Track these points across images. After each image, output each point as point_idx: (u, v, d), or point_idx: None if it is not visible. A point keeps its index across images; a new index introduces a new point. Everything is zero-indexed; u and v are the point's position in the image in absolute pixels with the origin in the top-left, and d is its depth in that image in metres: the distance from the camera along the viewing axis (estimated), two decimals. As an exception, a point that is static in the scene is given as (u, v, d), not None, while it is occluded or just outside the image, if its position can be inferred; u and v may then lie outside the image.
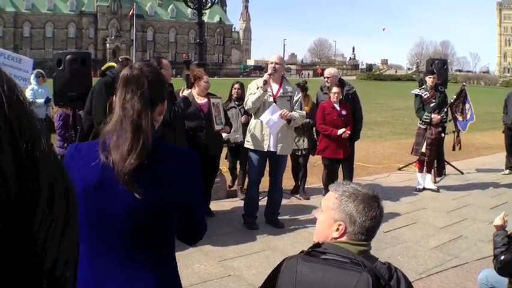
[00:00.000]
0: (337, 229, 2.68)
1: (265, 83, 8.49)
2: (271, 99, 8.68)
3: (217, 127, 8.88)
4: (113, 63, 8.97)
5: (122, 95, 2.71)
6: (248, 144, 8.88)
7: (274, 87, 8.82)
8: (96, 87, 7.51)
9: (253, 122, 8.87)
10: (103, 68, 9.12)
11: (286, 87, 8.92)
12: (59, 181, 0.71)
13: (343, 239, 2.67)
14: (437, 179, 12.38)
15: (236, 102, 10.53)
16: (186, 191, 2.73)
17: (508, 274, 5.09)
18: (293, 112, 8.70)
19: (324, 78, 11.12)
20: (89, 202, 2.56)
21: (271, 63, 8.80)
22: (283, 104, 8.71)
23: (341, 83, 10.89)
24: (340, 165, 10.78)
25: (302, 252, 2.72)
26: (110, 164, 2.56)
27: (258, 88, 8.56)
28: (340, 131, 9.99)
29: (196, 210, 2.96)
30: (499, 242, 5.12)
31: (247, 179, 9.55)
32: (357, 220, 2.63)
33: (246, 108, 9.08)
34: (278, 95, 8.77)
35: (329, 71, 11.25)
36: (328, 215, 2.73)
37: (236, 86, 10.85)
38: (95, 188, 2.58)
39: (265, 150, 8.70)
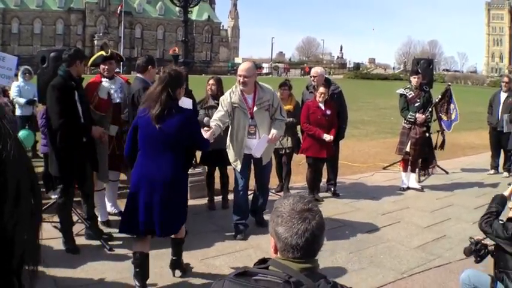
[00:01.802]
0: (272, 244, 2.64)
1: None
2: (249, 115, 8.34)
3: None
4: (102, 52, 9.10)
5: (156, 83, 6.33)
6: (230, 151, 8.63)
7: (249, 99, 8.38)
8: (47, 93, 7.39)
9: (229, 136, 8.58)
10: (92, 59, 9.12)
11: (262, 96, 8.42)
12: (25, 178, 0.78)
13: (279, 255, 2.59)
14: (422, 178, 12.39)
15: (215, 101, 9.41)
16: (187, 125, 6.07)
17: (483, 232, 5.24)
18: (275, 131, 8.38)
19: (311, 77, 11.13)
20: (143, 131, 6.11)
21: (239, 75, 8.30)
22: (262, 116, 8.43)
23: (327, 83, 10.89)
24: (325, 164, 10.81)
25: (243, 268, 2.66)
26: (149, 114, 6.01)
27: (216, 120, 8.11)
28: (325, 137, 10.05)
29: (197, 137, 6.34)
30: (496, 200, 5.35)
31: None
32: (281, 237, 2.53)
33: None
34: (254, 108, 8.37)
35: (315, 70, 11.29)
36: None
37: (210, 81, 10.09)
38: (145, 125, 6.07)
39: (248, 153, 8.45)
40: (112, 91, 8.71)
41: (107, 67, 8.74)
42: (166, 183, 5.96)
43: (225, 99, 8.37)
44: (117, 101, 8.70)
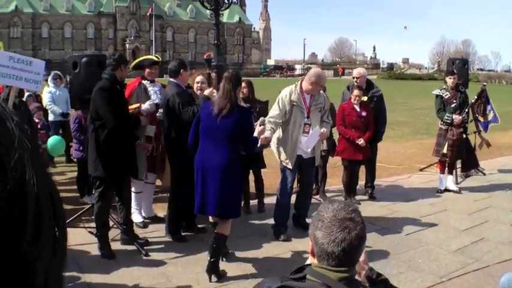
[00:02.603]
0: (310, 247, 2.62)
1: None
2: (305, 113, 8.64)
3: None
4: (151, 56, 10.00)
5: (223, 83, 6.91)
6: (279, 157, 8.80)
7: (307, 99, 8.71)
8: (94, 94, 7.49)
9: (283, 134, 8.70)
10: (137, 62, 9.26)
11: (318, 97, 8.81)
12: (47, 203, 0.72)
13: (316, 260, 2.56)
14: (459, 179, 12.26)
15: (247, 104, 9.27)
16: (244, 125, 6.82)
17: None
18: (324, 129, 8.74)
19: (353, 78, 11.11)
20: (204, 123, 6.84)
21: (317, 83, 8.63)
22: (315, 116, 8.76)
23: (369, 85, 10.92)
24: (363, 167, 10.78)
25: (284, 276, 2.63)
26: (212, 110, 6.76)
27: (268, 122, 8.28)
28: (358, 141, 10.03)
29: (246, 135, 6.87)
30: None
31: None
32: (318, 242, 2.51)
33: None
34: (312, 108, 8.71)
35: (358, 71, 11.24)
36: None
37: (242, 84, 9.89)
38: (206, 118, 6.83)
39: (305, 157, 8.75)
40: (152, 92, 8.85)
41: (153, 71, 9.04)
42: (221, 170, 6.69)
43: (284, 97, 8.62)
44: (157, 101, 8.78)
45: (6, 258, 0.63)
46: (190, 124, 7.37)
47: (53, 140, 10.23)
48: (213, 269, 6.79)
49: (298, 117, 8.60)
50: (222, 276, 6.85)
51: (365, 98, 10.61)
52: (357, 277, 2.80)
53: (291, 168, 8.63)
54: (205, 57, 14.00)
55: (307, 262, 2.67)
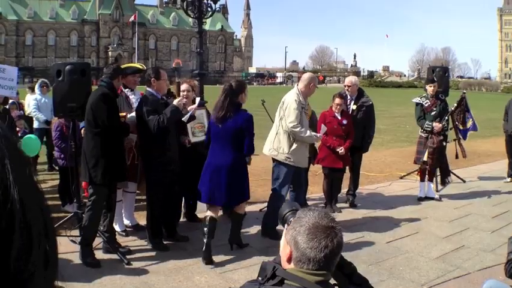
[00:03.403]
0: (287, 252, 2.65)
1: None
2: (306, 116, 9.33)
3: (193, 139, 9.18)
4: (137, 65, 9.94)
5: (220, 93, 7.95)
6: (289, 160, 8.92)
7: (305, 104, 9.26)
8: (94, 101, 7.49)
9: (298, 142, 8.98)
10: (124, 66, 9.26)
11: (307, 102, 9.50)
12: (36, 218, 0.70)
13: (293, 265, 2.61)
14: (440, 187, 12.34)
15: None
16: (244, 127, 7.74)
17: None
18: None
19: (344, 86, 11.20)
20: (212, 128, 7.93)
21: (315, 85, 9.24)
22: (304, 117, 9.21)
23: (360, 94, 11.08)
24: (348, 176, 10.88)
25: (258, 282, 2.66)
26: (214, 116, 7.88)
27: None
28: (338, 149, 10.12)
29: (249, 136, 7.81)
30: None
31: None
32: (300, 246, 2.56)
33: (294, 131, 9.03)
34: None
35: (350, 80, 11.34)
36: (284, 237, 2.73)
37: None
38: (213, 124, 7.91)
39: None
40: (134, 100, 8.92)
41: (135, 79, 9.17)
42: (228, 168, 7.80)
43: (296, 101, 8.99)
44: None
45: None
46: (158, 133, 7.81)
47: (27, 138, 10.15)
48: (234, 239, 8.32)
49: (304, 119, 9.07)
50: (243, 247, 8.31)
51: (354, 107, 10.70)
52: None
53: (295, 166, 9.01)
54: (174, 65, 14.07)
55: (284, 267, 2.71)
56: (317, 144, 10.70)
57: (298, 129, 8.79)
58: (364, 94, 11.28)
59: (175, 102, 8.04)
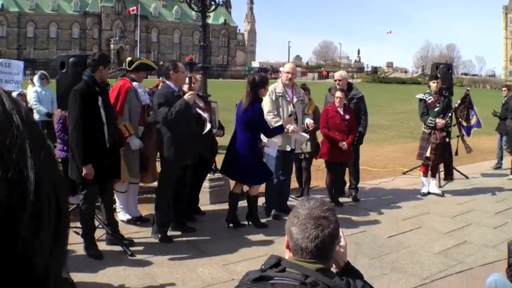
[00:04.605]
0: (286, 240, 2.72)
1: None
2: (291, 102, 9.80)
3: (214, 131, 9.54)
4: (149, 62, 10.06)
5: (246, 86, 8.97)
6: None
7: (289, 92, 9.87)
8: (71, 97, 7.34)
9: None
10: (136, 65, 9.12)
11: (298, 91, 10.11)
12: (49, 192, 0.70)
13: (291, 254, 2.67)
14: (442, 183, 12.35)
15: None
16: (254, 118, 8.76)
17: None
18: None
19: (335, 80, 11.24)
20: (236, 116, 9.04)
21: (287, 73, 10.00)
22: (298, 106, 9.90)
23: (349, 87, 11.00)
24: (347, 170, 10.87)
25: (261, 270, 2.69)
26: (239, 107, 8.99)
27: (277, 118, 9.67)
28: (340, 144, 10.14)
29: (261, 125, 8.95)
30: None
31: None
32: (293, 237, 2.62)
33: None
34: (294, 99, 9.88)
35: (340, 74, 11.40)
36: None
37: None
38: (237, 112, 9.04)
39: (289, 149, 9.84)
40: (142, 92, 9.05)
41: (144, 75, 9.40)
42: (238, 149, 8.88)
43: (271, 92, 9.75)
44: (147, 102, 9.01)
45: (5, 251, 0.62)
46: (168, 125, 7.93)
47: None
48: (250, 216, 9.16)
49: (285, 105, 9.77)
50: (257, 225, 9.06)
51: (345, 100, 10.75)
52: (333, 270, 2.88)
53: (292, 149, 9.90)
54: (187, 60, 14.08)
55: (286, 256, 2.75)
56: (320, 139, 10.75)
57: (270, 117, 9.54)
58: (353, 87, 11.43)
59: (185, 97, 8.04)
